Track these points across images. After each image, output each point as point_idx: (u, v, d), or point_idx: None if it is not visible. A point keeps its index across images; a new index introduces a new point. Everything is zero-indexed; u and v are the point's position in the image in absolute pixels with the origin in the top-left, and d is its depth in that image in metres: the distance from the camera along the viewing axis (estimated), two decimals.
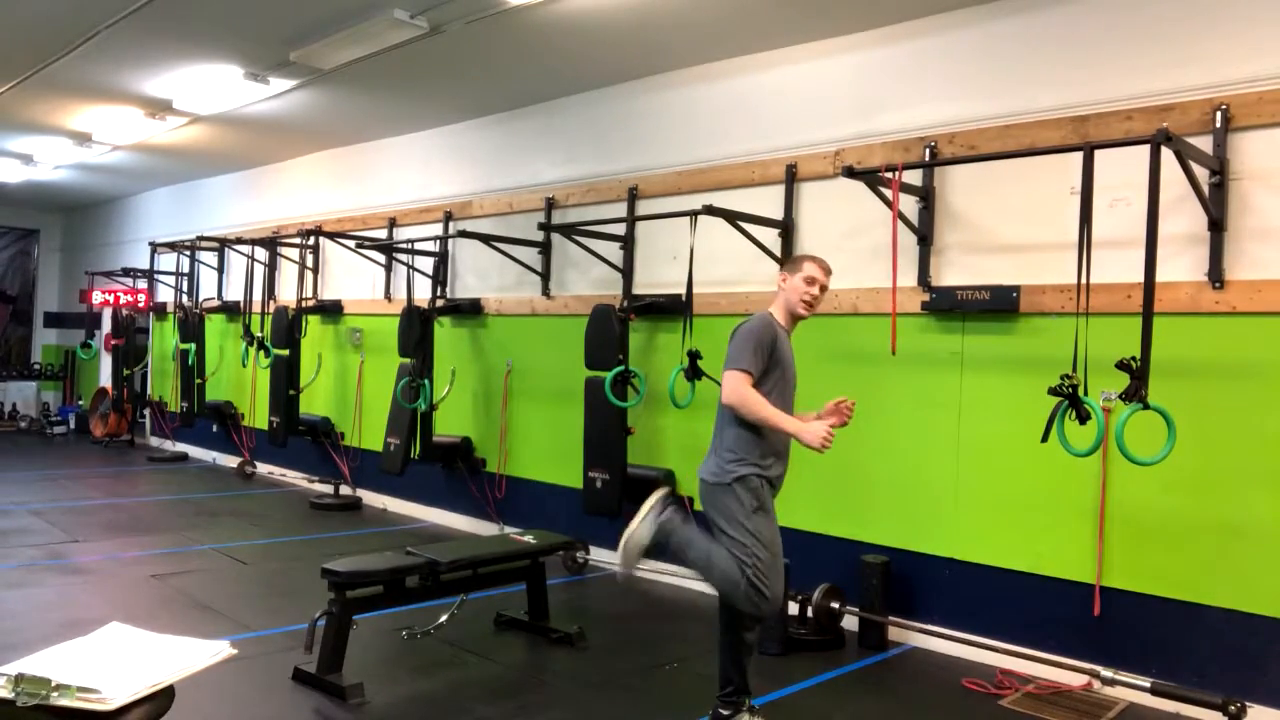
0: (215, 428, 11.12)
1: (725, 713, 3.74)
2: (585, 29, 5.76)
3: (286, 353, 8.92)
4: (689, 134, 6.44)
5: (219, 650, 2.60)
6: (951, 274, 5.16)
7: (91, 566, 6.18)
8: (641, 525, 3.73)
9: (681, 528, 3.74)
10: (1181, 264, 4.35)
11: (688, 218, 5.53)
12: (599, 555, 6.67)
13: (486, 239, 7.18)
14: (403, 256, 8.24)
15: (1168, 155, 3.84)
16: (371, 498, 8.87)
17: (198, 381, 10.50)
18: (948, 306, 5.07)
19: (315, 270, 9.70)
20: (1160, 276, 3.88)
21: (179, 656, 2.54)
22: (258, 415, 10.20)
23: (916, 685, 4.65)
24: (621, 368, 6.09)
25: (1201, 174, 4.18)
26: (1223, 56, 4.30)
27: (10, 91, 7.70)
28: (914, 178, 5.14)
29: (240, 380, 10.68)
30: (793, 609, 5.07)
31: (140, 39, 6.29)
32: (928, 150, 5.19)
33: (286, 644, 4.61)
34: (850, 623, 5.19)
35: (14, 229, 15.27)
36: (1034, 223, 4.86)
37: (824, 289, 3.83)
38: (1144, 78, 4.51)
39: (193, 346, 10.47)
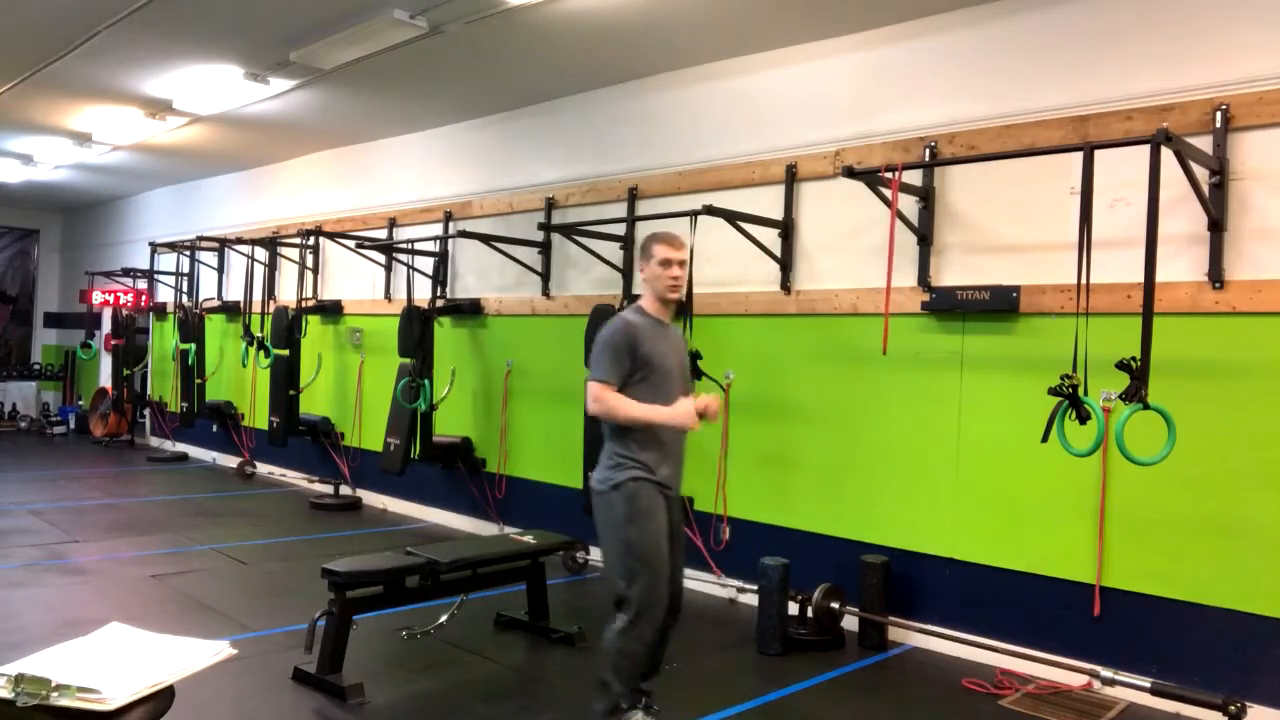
0: (215, 428, 11.12)
1: (624, 705, 3.66)
2: (585, 29, 5.75)
3: (286, 353, 8.91)
4: (689, 134, 6.44)
5: (219, 650, 2.60)
6: (951, 274, 5.16)
7: (91, 566, 6.18)
8: None
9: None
10: (1181, 264, 4.35)
11: (688, 218, 5.53)
12: (599, 555, 6.67)
13: (486, 239, 7.18)
14: (403, 256, 8.24)
15: (1168, 155, 3.84)
16: (371, 498, 8.87)
17: (198, 381, 10.50)
18: (948, 306, 5.07)
19: (315, 270, 9.70)
20: (1160, 276, 3.88)
21: (179, 656, 2.54)
22: (258, 415, 10.20)
23: (916, 685, 4.65)
24: None
25: (1201, 174, 4.18)
26: (1223, 56, 4.30)
27: (10, 91, 7.70)
28: (914, 178, 5.14)
29: (240, 380, 10.68)
30: (793, 609, 5.07)
31: (140, 39, 6.29)
32: (928, 150, 5.19)
33: (286, 644, 4.61)
34: (850, 623, 5.19)
35: (14, 229, 15.27)
36: (1034, 223, 4.86)
37: (683, 263, 3.69)
38: (1144, 78, 4.51)
39: (193, 346, 10.47)
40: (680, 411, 3.52)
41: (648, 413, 3.52)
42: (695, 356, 5.59)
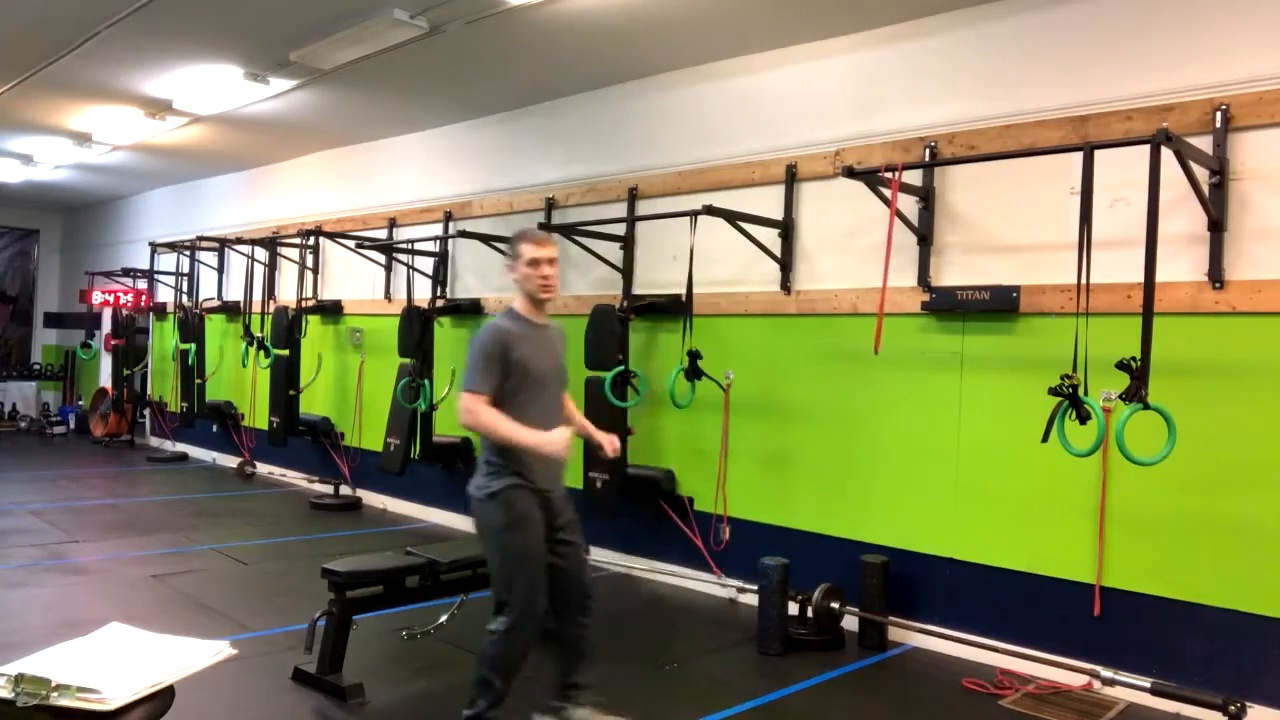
0: (215, 428, 11.12)
1: (555, 704, 3.71)
2: (585, 29, 5.75)
3: (286, 353, 8.91)
4: (689, 134, 6.44)
5: (219, 650, 2.60)
6: (951, 274, 5.16)
7: (91, 566, 6.18)
8: None
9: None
10: (1181, 264, 4.35)
11: (688, 218, 5.53)
12: (599, 555, 6.67)
13: (486, 239, 7.18)
14: (403, 256, 8.24)
15: (1168, 155, 3.84)
16: (371, 498, 8.87)
17: (198, 381, 10.50)
18: (948, 306, 5.07)
19: (315, 270, 9.69)
20: (1160, 276, 3.88)
21: (179, 656, 2.54)
22: (258, 415, 10.19)
23: (916, 685, 4.65)
24: (621, 368, 6.09)
25: (1201, 174, 4.18)
26: (1223, 56, 4.30)
27: (10, 91, 7.70)
28: (914, 178, 5.14)
29: (240, 380, 10.68)
30: (793, 609, 5.08)
31: (140, 39, 6.28)
32: (928, 150, 5.19)
33: (286, 644, 4.61)
34: (850, 623, 5.19)
35: (14, 229, 15.27)
36: (1034, 223, 4.86)
37: (552, 261, 3.60)
38: (1144, 78, 4.51)
39: (193, 346, 10.47)
40: (549, 440, 3.42)
41: (518, 436, 3.43)
42: (695, 356, 5.61)
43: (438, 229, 8.16)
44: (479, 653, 3.60)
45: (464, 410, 3.47)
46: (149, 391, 13.04)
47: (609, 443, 3.78)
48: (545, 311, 3.69)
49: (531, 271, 3.56)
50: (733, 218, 5.55)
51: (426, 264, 8.15)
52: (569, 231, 6.58)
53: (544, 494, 3.59)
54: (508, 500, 3.51)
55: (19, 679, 2.20)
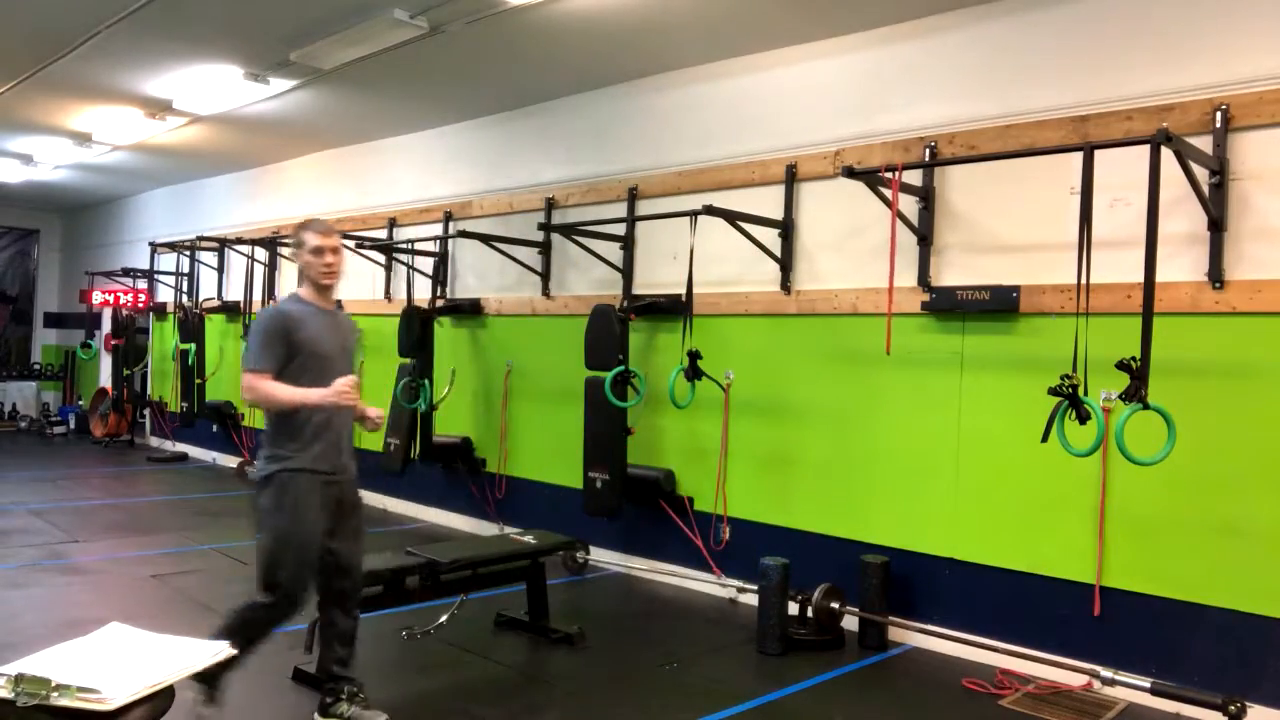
0: (215, 428, 11.12)
1: (328, 700, 3.74)
2: (585, 29, 5.75)
3: None
4: (689, 134, 6.44)
5: (219, 650, 2.60)
6: (951, 274, 5.16)
7: (91, 566, 6.18)
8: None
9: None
10: (1181, 264, 4.35)
11: (688, 218, 5.53)
12: (599, 555, 6.67)
13: (486, 239, 7.18)
14: (403, 257, 8.24)
15: (1168, 155, 3.84)
16: (371, 498, 8.84)
17: (198, 381, 10.50)
18: (948, 306, 5.07)
19: None
20: (1160, 276, 3.88)
21: (179, 656, 2.54)
22: (258, 415, 10.15)
23: (916, 685, 4.65)
24: (621, 368, 6.09)
25: (1201, 174, 4.18)
26: (1223, 56, 4.30)
27: (10, 91, 7.70)
28: (914, 178, 5.14)
29: (240, 380, 10.65)
30: (793, 609, 5.07)
31: (140, 39, 6.29)
32: (928, 150, 5.19)
33: (286, 644, 4.61)
34: (850, 623, 5.19)
35: (14, 229, 15.27)
36: (1034, 223, 4.86)
37: (336, 249, 3.72)
38: (1144, 78, 4.51)
39: (193, 346, 10.46)
40: (328, 391, 3.50)
41: (296, 395, 3.53)
42: (695, 356, 5.61)
43: (438, 229, 8.15)
44: (229, 610, 3.69)
45: (245, 389, 3.59)
46: (149, 391, 13.04)
47: (375, 413, 3.78)
48: (331, 297, 3.80)
49: (315, 259, 3.68)
50: (733, 218, 5.55)
51: (426, 264, 8.15)
52: (569, 231, 6.58)
53: (328, 477, 3.65)
54: (282, 483, 3.58)
55: (19, 679, 2.20)
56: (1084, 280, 3.79)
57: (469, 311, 7.89)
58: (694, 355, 5.61)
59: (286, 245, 9.54)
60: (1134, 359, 3.65)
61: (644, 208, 6.63)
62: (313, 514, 3.60)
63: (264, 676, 4.29)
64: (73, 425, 13.84)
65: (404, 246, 8.10)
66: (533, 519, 6.96)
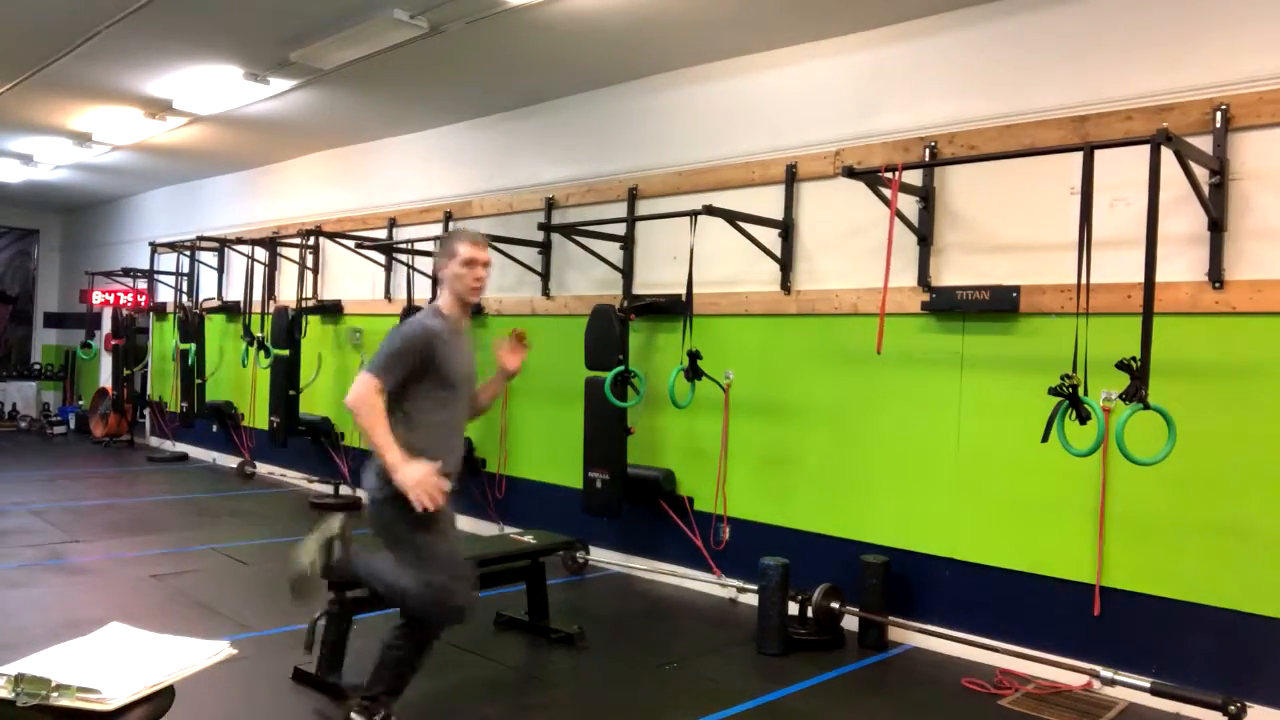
0: (215, 428, 11.12)
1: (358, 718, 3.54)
2: (585, 29, 5.75)
3: (286, 353, 8.91)
4: (689, 134, 6.44)
5: (219, 650, 2.60)
6: (951, 274, 5.16)
7: (91, 566, 6.18)
8: (305, 555, 3.65)
9: (362, 562, 3.60)
10: (1181, 264, 4.34)
11: (688, 218, 5.53)
12: (599, 555, 6.67)
13: (486, 239, 7.17)
14: (403, 256, 8.24)
15: (1168, 155, 3.84)
16: None
17: (198, 381, 10.50)
18: (948, 306, 5.07)
19: (315, 270, 9.69)
20: (1160, 276, 3.88)
21: (179, 656, 2.54)
22: (258, 415, 10.20)
23: (916, 685, 4.65)
24: (621, 368, 6.09)
25: (1201, 174, 4.18)
26: (1223, 56, 4.30)
27: (10, 91, 7.70)
28: (914, 178, 5.14)
29: (240, 380, 10.68)
30: (793, 609, 5.07)
31: (140, 39, 6.29)
32: (928, 150, 5.19)
33: (286, 644, 4.61)
34: (850, 623, 5.19)
35: (14, 229, 15.27)
36: (1034, 223, 4.86)
37: (487, 264, 3.54)
38: (1144, 78, 4.51)
39: (193, 346, 10.46)
40: (409, 475, 3.19)
41: (391, 446, 3.23)
42: (695, 356, 5.61)
43: (438, 229, 8.15)
44: (393, 656, 3.55)
45: (359, 392, 3.26)
46: (149, 391, 13.04)
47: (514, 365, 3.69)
48: (468, 315, 3.65)
49: (466, 271, 3.48)
50: (733, 218, 5.55)
51: (426, 264, 8.15)
52: (569, 231, 6.58)
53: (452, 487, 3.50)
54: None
55: (19, 679, 2.19)
56: (1084, 280, 3.80)
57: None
58: (694, 355, 5.61)
59: (287, 245, 9.57)
60: (1134, 359, 3.64)
61: (644, 208, 6.63)
62: (453, 527, 3.48)
63: (264, 676, 4.30)
64: (73, 425, 13.84)
65: (404, 246, 8.10)
66: (533, 519, 6.96)
